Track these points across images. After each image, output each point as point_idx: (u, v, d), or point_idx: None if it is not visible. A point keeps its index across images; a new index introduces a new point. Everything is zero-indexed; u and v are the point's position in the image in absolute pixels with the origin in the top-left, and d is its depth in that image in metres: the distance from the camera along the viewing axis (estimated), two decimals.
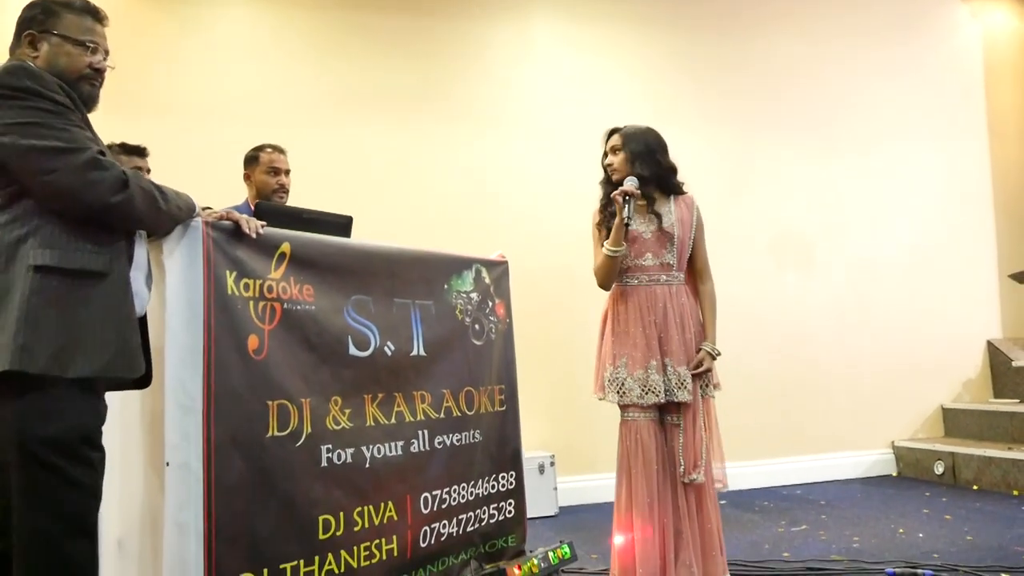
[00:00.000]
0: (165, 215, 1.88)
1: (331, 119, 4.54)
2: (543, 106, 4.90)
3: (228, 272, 2.05)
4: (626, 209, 2.62)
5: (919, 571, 2.89)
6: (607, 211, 2.77)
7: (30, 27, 1.84)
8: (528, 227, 4.66)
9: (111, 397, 1.90)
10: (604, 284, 2.76)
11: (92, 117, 1.88)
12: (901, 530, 3.63)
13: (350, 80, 4.61)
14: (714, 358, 2.81)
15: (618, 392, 2.69)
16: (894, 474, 5.14)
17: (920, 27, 5.61)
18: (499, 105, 4.85)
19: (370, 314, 2.46)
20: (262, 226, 2.16)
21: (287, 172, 3.18)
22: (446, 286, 2.79)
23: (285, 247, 2.21)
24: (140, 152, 3.01)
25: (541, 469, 4.19)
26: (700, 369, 2.74)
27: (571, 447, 4.43)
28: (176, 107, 4.30)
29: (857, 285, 5.27)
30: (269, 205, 2.21)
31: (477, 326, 2.90)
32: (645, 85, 5.06)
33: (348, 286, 2.41)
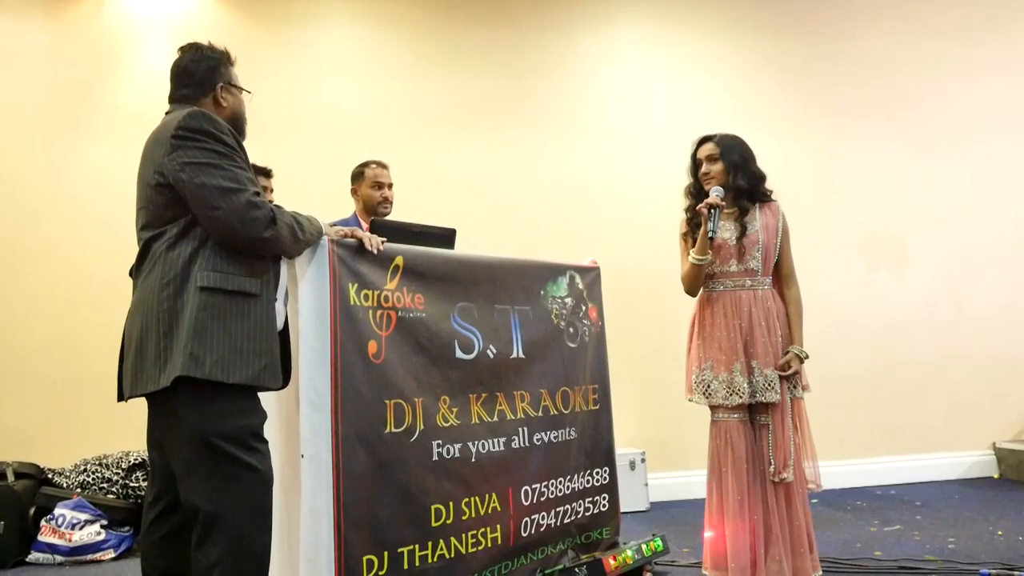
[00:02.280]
0: (303, 243, 2.13)
1: (428, 133, 4.79)
2: (630, 112, 5.01)
3: (351, 284, 2.28)
4: (711, 222, 2.72)
5: (1016, 573, 2.89)
6: (693, 221, 2.89)
7: (219, 80, 2.16)
8: (620, 231, 4.79)
9: None
10: (690, 290, 2.90)
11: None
12: (1000, 532, 3.59)
13: (446, 94, 4.85)
14: (802, 360, 2.88)
15: (704, 393, 2.82)
16: (995, 476, 5.02)
17: (1014, 22, 5.43)
18: (588, 112, 4.99)
19: (474, 319, 2.66)
20: (382, 242, 2.38)
21: (390, 186, 3.42)
22: (542, 292, 2.96)
23: (399, 260, 2.43)
24: (266, 173, 3.30)
25: (632, 465, 4.32)
26: (789, 371, 2.83)
27: (661, 444, 4.54)
28: (282, 125, 4.61)
29: (952, 281, 5.17)
30: (383, 221, 2.44)
31: (571, 329, 3.06)
32: (731, 88, 5.11)
33: (454, 294, 2.61)
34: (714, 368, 2.82)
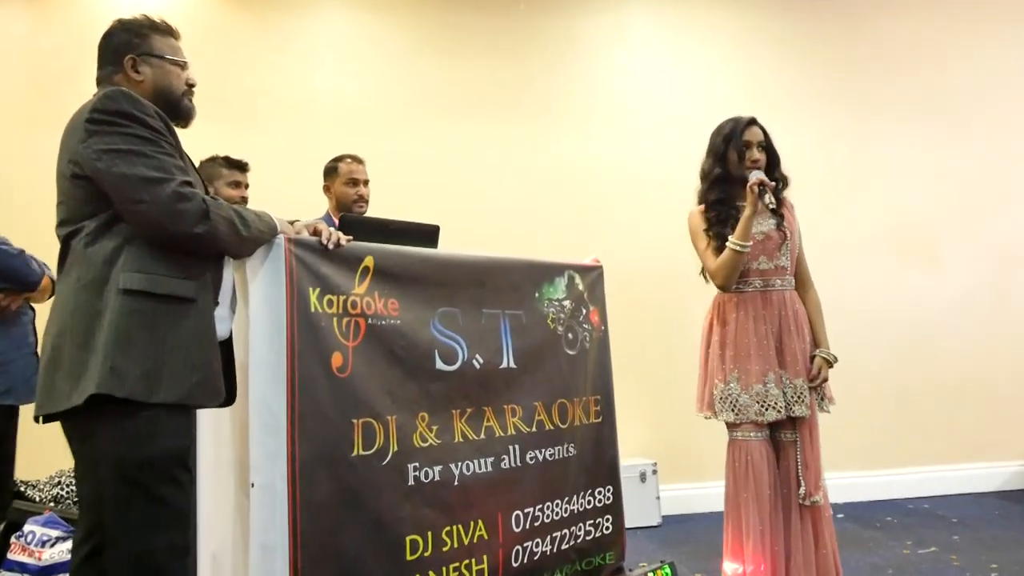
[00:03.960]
0: (248, 240, 1.86)
1: (425, 123, 4.52)
2: (640, 98, 4.71)
3: (311, 289, 2.01)
4: (767, 197, 2.47)
5: None
6: (716, 212, 2.59)
7: (128, 51, 1.87)
8: (626, 225, 4.50)
9: (203, 412, 1.93)
10: (727, 283, 2.57)
11: (192, 129, 1.97)
12: None
13: (445, 81, 4.57)
14: (831, 365, 2.62)
15: (732, 410, 2.52)
16: None
17: None
18: (596, 99, 4.70)
19: (458, 326, 2.39)
20: (347, 240, 2.12)
21: (366, 182, 3.20)
22: (537, 294, 2.68)
23: (368, 261, 2.17)
24: (241, 167, 3.06)
25: (643, 477, 4.04)
26: (820, 379, 2.56)
27: (675, 453, 4.25)
28: (272, 115, 4.38)
29: (989, 278, 4.82)
30: (353, 217, 2.17)
31: (570, 335, 2.78)
32: (748, 71, 4.78)
33: (434, 298, 2.34)
34: (743, 380, 2.53)
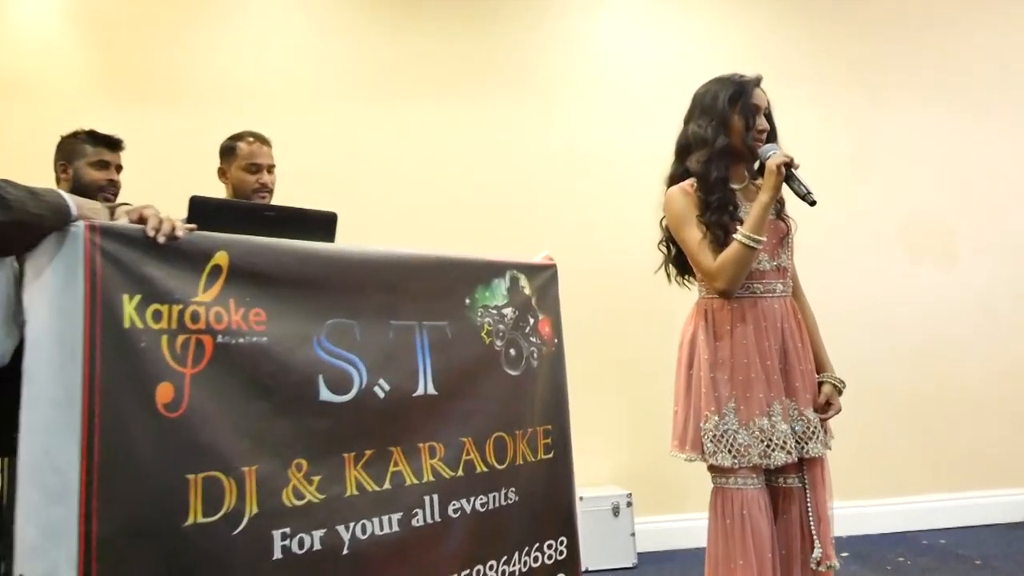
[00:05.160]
0: (10, 226, 1.31)
1: (374, 103, 3.97)
2: (621, 74, 4.15)
3: (127, 296, 1.46)
4: (798, 183, 1.97)
5: None
6: (724, 188, 2.05)
7: None
8: (606, 217, 3.95)
9: None
10: (731, 287, 2.00)
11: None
12: None
13: (398, 57, 4.01)
14: (840, 392, 2.13)
15: (729, 451, 1.97)
16: None
17: None
18: (570, 75, 4.14)
19: (354, 343, 1.84)
20: (189, 229, 1.57)
21: (271, 168, 2.68)
22: (468, 300, 2.13)
23: (220, 257, 1.61)
24: (111, 144, 2.53)
25: (615, 511, 3.49)
26: (833, 411, 2.08)
27: (653, 481, 3.69)
28: (204, 96, 3.83)
29: (1014, 276, 4.27)
30: (206, 199, 1.61)
31: (512, 351, 2.23)
32: (742, 47, 4.21)
33: (322, 307, 1.79)
34: (742, 412, 1.99)
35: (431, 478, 1.95)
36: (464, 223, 3.78)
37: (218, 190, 2.85)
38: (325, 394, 1.75)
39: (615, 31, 4.21)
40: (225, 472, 1.55)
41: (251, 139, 2.66)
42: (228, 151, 2.67)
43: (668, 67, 4.14)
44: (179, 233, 1.53)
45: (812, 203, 1.97)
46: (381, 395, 1.86)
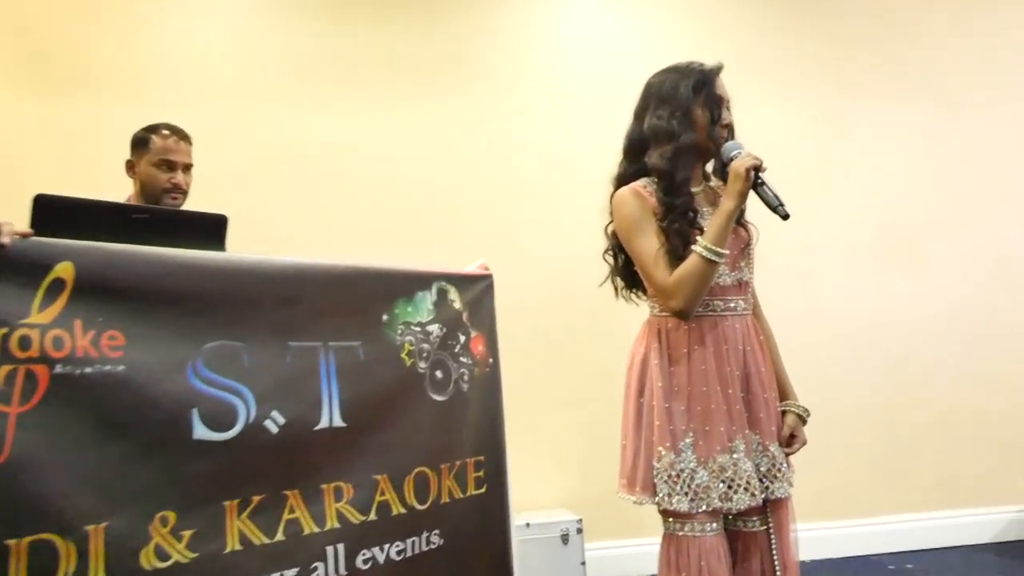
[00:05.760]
0: None
1: (314, 93, 3.65)
2: (582, 69, 3.89)
3: None
4: (767, 190, 1.73)
5: None
6: (685, 192, 1.80)
7: None
8: (541, 225, 3.65)
9: None
10: (689, 307, 1.74)
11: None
12: None
13: (342, 46, 3.71)
14: (805, 422, 1.91)
15: (686, 494, 1.72)
16: None
17: None
18: (528, 68, 3.86)
19: (240, 369, 1.56)
20: (24, 234, 1.29)
21: (187, 167, 2.39)
22: (386, 317, 1.86)
23: (63, 269, 1.33)
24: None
25: (564, 539, 3.23)
26: (796, 445, 1.87)
27: (604, 505, 3.40)
28: (119, 82, 3.48)
29: (987, 291, 4.06)
30: (58, 197, 1.32)
31: (438, 373, 1.96)
32: (707, 43, 3.96)
33: (199, 327, 1.51)
34: (701, 448, 1.75)
35: (336, 524, 1.68)
36: (399, 226, 3.49)
37: (125, 186, 2.56)
38: (200, 431, 1.47)
39: (575, 24, 3.95)
40: (61, 534, 1.27)
41: (167, 132, 2.36)
42: (140, 143, 2.36)
43: (631, 67, 3.89)
44: (3, 240, 1.24)
45: (785, 216, 1.71)
46: (274, 429, 1.59)
